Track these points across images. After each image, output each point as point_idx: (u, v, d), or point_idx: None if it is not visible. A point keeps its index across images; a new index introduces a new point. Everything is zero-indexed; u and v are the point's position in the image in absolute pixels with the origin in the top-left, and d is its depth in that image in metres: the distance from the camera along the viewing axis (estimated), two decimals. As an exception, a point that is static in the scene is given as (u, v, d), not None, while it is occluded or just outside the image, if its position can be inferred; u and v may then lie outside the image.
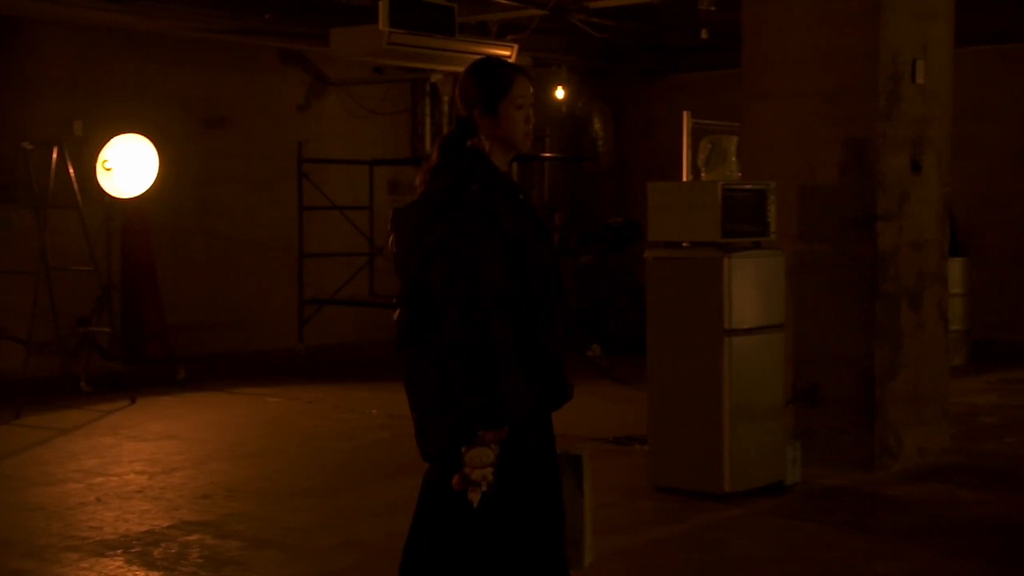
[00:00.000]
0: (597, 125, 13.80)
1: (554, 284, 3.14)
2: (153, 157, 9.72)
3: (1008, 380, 9.99)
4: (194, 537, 5.41)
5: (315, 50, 11.58)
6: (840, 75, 6.55)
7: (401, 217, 3.25)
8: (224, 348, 11.72)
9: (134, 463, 7.04)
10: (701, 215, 5.90)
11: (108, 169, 9.57)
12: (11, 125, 10.01)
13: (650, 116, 14.07)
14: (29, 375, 9.07)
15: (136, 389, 9.28)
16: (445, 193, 3.08)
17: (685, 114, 6.59)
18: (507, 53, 10.95)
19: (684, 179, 6.54)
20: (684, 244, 6.02)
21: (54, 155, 9.47)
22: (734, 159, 6.20)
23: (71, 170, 9.45)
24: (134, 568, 4.98)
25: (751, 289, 5.98)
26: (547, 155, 12.39)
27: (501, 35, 11.71)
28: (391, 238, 3.24)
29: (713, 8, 9.68)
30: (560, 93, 13.12)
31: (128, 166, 9.63)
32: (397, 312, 3.13)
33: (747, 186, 6.09)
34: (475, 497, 2.91)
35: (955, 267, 9.83)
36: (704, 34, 9.94)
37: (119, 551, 5.20)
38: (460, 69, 11.52)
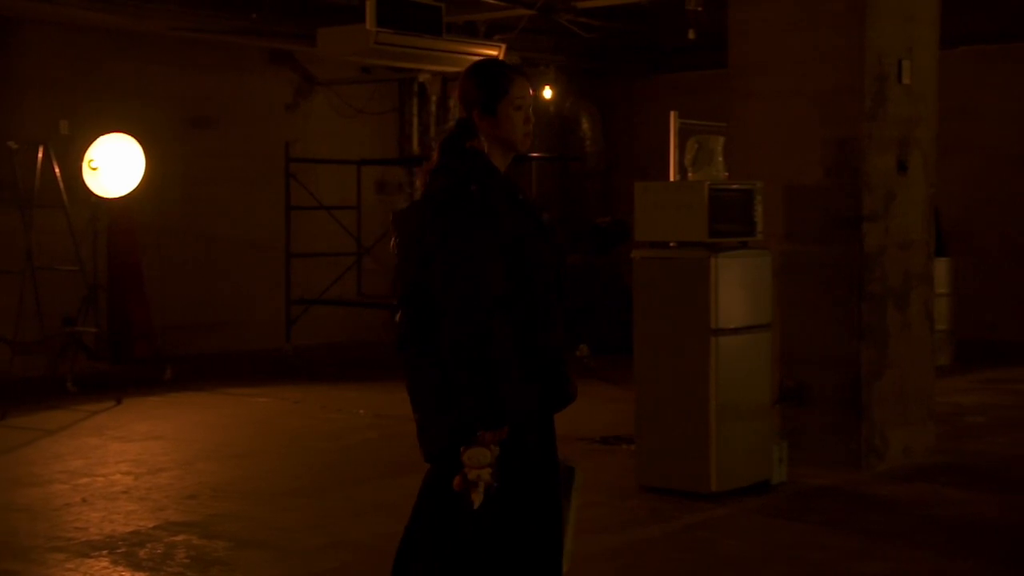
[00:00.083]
0: (585, 125, 13.81)
1: (554, 284, 3.15)
2: (140, 157, 9.69)
3: (993, 380, 10.03)
4: (180, 538, 5.40)
5: (303, 50, 11.57)
6: (826, 76, 6.56)
7: (401, 218, 3.26)
8: (211, 348, 11.71)
9: (120, 464, 7.01)
10: (688, 215, 5.90)
11: (94, 168, 9.54)
12: (-3, 124, 9.98)
13: (638, 116, 14.09)
14: (15, 375, 9.04)
15: (122, 389, 9.24)
16: (444, 194, 3.08)
17: (672, 114, 6.60)
18: (495, 53, 10.96)
19: (671, 179, 6.55)
20: (671, 244, 6.03)
21: (40, 154, 9.44)
22: (721, 159, 6.21)
23: (57, 169, 9.42)
24: (120, 569, 4.96)
25: (738, 289, 5.99)
26: (535, 155, 12.38)
27: (489, 35, 11.72)
28: (392, 240, 3.25)
29: (700, 9, 9.71)
30: (548, 93, 13.13)
31: (114, 165, 9.59)
32: (398, 313, 3.14)
33: (734, 186, 6.11)
34: (477, 499, 2.91)
35: (941, 267, 9.87)
36: (691, 34, 9.96)
37: (104, 552, 5.18)
38: (448, 69, 11.53)
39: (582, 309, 12.18)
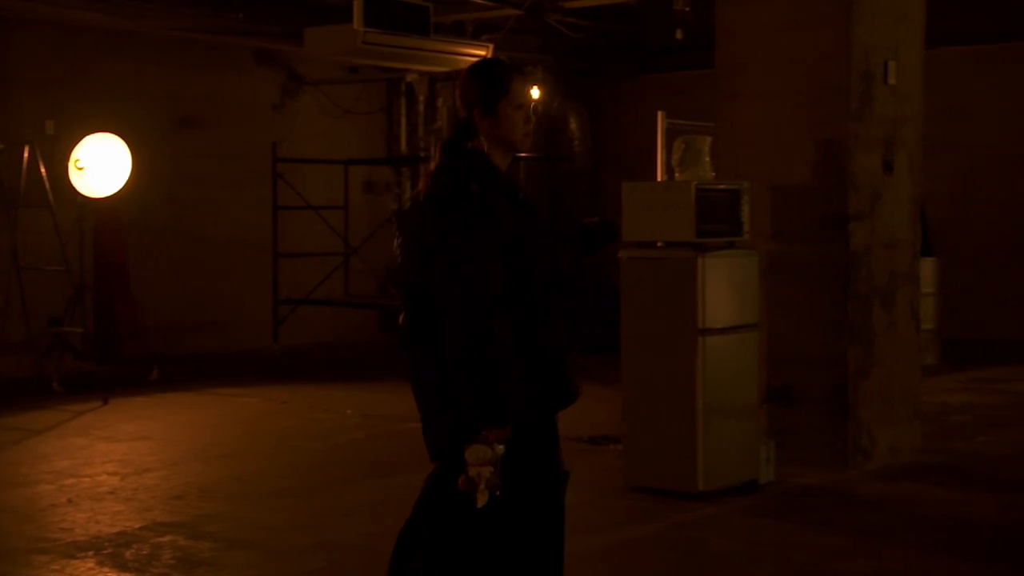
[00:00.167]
0: (573, 125, 13.82)
1: (555, 283, 3.15)
2: (126, 156, 9.67)
3: (980, 379, 10.06)
4: (166, 538, 5.38)
5: (290, 50, 11.55)
6: (812, 76, 6.58)
7: (404, 218, 3.28)
8: (198, 348, 11.68)
9: (106, 464, 6.99)
10: (675, 215, 5.91)
11: (80, 168, 9.51)
12: (-18, 124, 9.94)
13: (625, 116, 14.10)
14: (1, 376, 9.00)
15: (109, 390, 9.21)
16: (445, 193, 3.09)
17: (660, 114, 6.61)
18: (483, 53, 10.96)
19: (659, 179, 6.55)
20: (658, 244, 6.03)
21: (25, 154, 9.41)
22: (708, 159, 6.21)
23: (43, 169, 9.39)
24: (105, 570, 4.94)
25: (725, 289, 5.99)
26: (523, 155, 12.39)
27: (476, 35, 11.72)
28: (396, 240, 3.26)
29: (688, 9, 9.71)
30: (536, 93, 13.13)
31: (101, 165, 9.57)
32: (401, 314, 3.14)
33: (721, 186, 6.11)
34: (481, 498, 2.91)
35: (927, 267, 9.91)
36: (679, 34, 9.96)
37: (90, 552, 5.16)
38: (435, 69, 11.48)
39: (571, 309, 12.20)
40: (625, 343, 6.14)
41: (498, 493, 2.93)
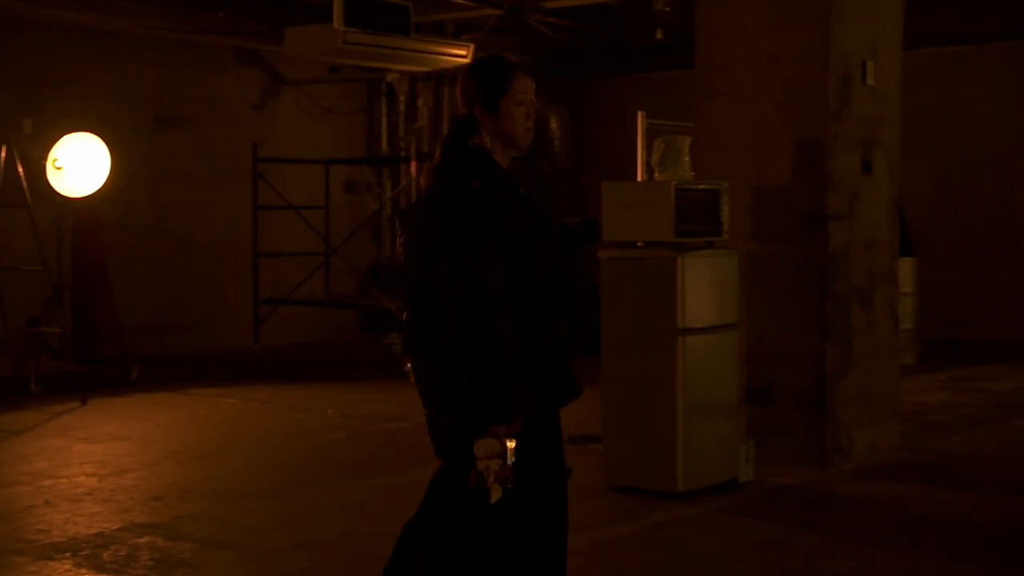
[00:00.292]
0: (554, 125, 13.83)
1: (557, 280, 3.16)
2: (105, 156, 9.62)
3: (958, 378, 10.12)
4: (145, 539, 5.36)
5: (270, 49, 11.52)
6: (791, 76, 6.60)
7: (406, 217, 3.28)
8: (178, 348, 11.64)
9: (84, 465, 6.95)
10: (655, 215, 5.92)
11: (58, 168, 9.46)
12: (-41, 123, 9.87)
13: (606, 116, 14.13)
14: (-22, 376, 8.94)
15: (87, 390, 9.17)
16: (446, 191, 3.09)
17: (640, 114, 6.62)
18: (463, 53, 10.96)
19: (639, 179, 6.57)
20: (638, 244, 6.04)
21: (3, 153, 9.35)
22: (687, 159, 6.22)
23: (20, 169, 9.34)
24: (83, 571, 4.92)
25: (704, 288, 6.01)
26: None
27: (457, 35, 11.71)
28: (398, 239, 3.27)
29: (668, 9, 9.73)
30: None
31: (79, 165, 9.52)
32: (405, 313, 3.15)
33: (700, 186, 6.12)
34: (495, 493, 2.92)
35: (906, 266, 9.95)
36: (659, 35, 9.98)
37: (67, 554, 5.14)
38: (416, 68, 11.46)
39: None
40: (605, 343, 6.14)
41: (510, 486, 2.94)
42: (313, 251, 11.85)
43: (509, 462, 2.92)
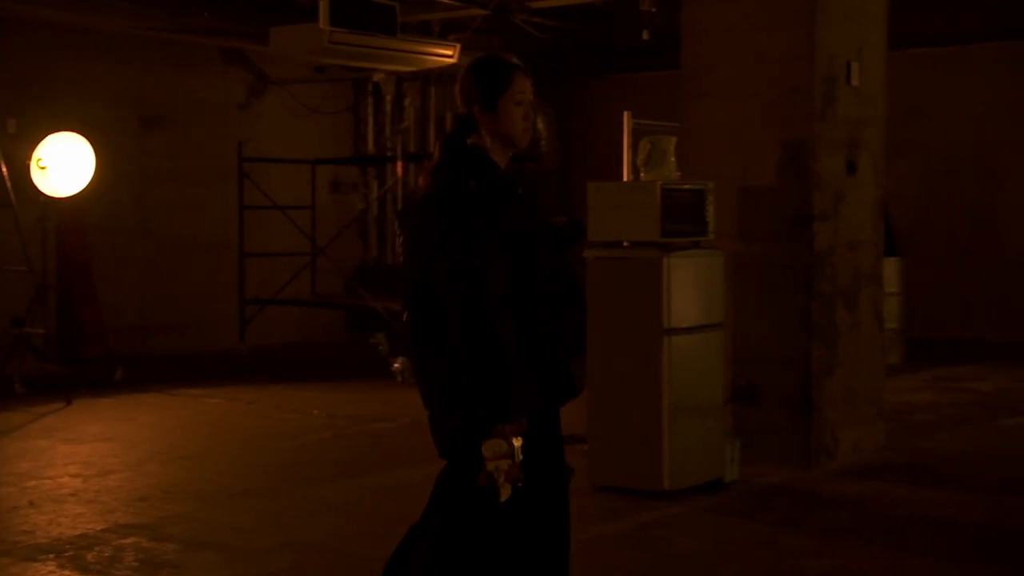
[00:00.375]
0: (540, 125, 13.82)
1: (556, 279, 3.16)
2: (89, 156, 9.59)
3: (943, 378, 10.16)
4: (129, 540, 5.34)
5: (256, 49, 11.49)
6: (777, 77, 6.62)
7: (406, 217, 3.28)
8: (163, 349, 11.61)
9: (68, 466, 6.93)
10: (640, 215, 5.92)
11: (43, 168, 9.42)
12: (-58, 123, 9.82)
13: (593, 116, 14.14)
14: (-39, 377, 8.89)
15: (72, 391, 9.13)
16: (445, 191, 3.09)
17: (626, 114, 6.63)
18: (449, 53, 10.95)
19: (625, 179, 6.57)
20: (624, 244, 6.05)
21: (-13, 153, 9.30)
22: (673, 159, 6.23)
23: (4, 168, 9.29)
24: (66, 572, 4.90)
25: (690, 288, 6.02)
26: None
27: (443, 35, 11.71)
28: (398, 239, 3.28)
29: (654, 9, 9.75)
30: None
31: (63, 165, 9.48)
32: (405, 314, 3.16)
33: (686, 186, 6.13)
34: (504, 492, 2.93)
35: (891, 267, 9.98)
36: (645, 35, 10.00)
37: (51, 555, 5.11)
38: (402, 68, 11.43)
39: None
40: (591, 343, 6.14)
41: (520, 484, 2.95)
42: (299, 251, 11.83)
43: (517, 460, 2.93)
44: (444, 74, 12.81)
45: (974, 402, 9.03)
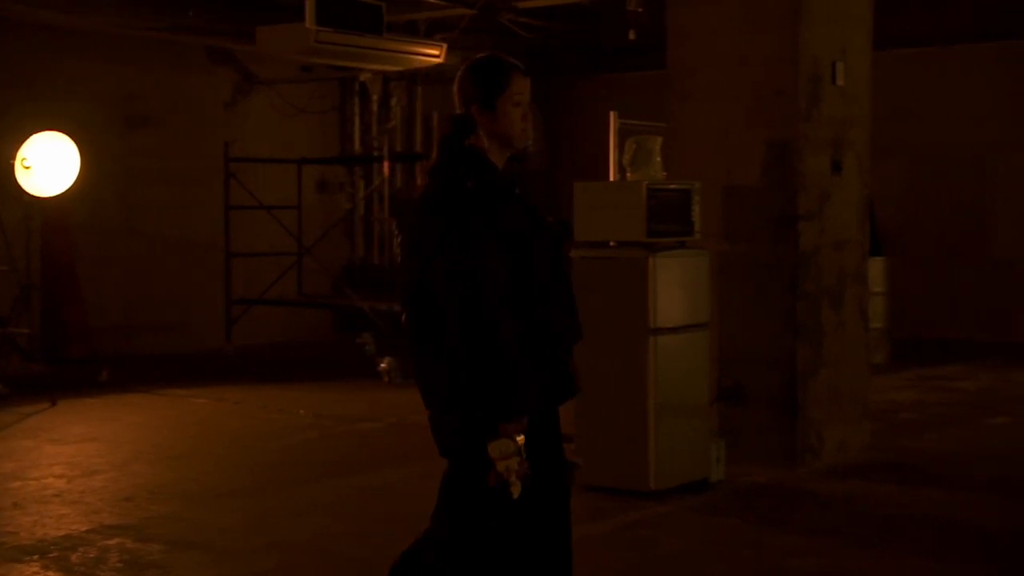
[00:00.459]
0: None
1: (555, 278, 3.17)
2: (74, 155, 9.55)
3: (928, 377, 10.20)
4: (114, 541, 5.32)
5: (242, 48, 11.47)
6: (762, 77, 6.63)
7: (404, 217, 3.29)
8: (149, 349, 11.57)
9: (53, 466, 6.90)
10: (626, 215, 5.93)
11: (27, 167, 9.39)
12: (-74, 122, 9.78)
13: (580, 116, 14.15)
14: (-55, 377, 8.85)
15: (57, 391, 9.10)
16: (442, 192, 3.10)
17: (612, 114, 6.63)
18: (436, 52, 10.94)
19: (611, 179, 6.58)
20: (610, 244, 6.05)
21: (-29, 153, 9.26)
22: (659, 159, 6.24)
23: (-12, 168, 9.26)
24: (51, 573, 4.88)
25: (676, 288, 6.03)
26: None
27: (430, 34, 11.70)
28: (396, 239, 3.28)
29: (641, 9, 9.76)
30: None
31: (48, 164, 9.45)
32: (403, 315, 3.17)
33: (672, 186, 6.14)
34: (515, 489, 2.96)
35: (877, 266, 10.02)
36: (632, 35, 10.01)
37: (35, 556, 5.10)
38: (388, 68, 11.43)
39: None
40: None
41: (528, 480, 2.97)
42: (286, 251, 11.81)
43: (523, 456, 2.96)
44: (431, 74, 12.82)
45: (959, 401, 9.07)
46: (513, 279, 3.05)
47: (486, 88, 3.18)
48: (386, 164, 11.13)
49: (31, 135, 9.41)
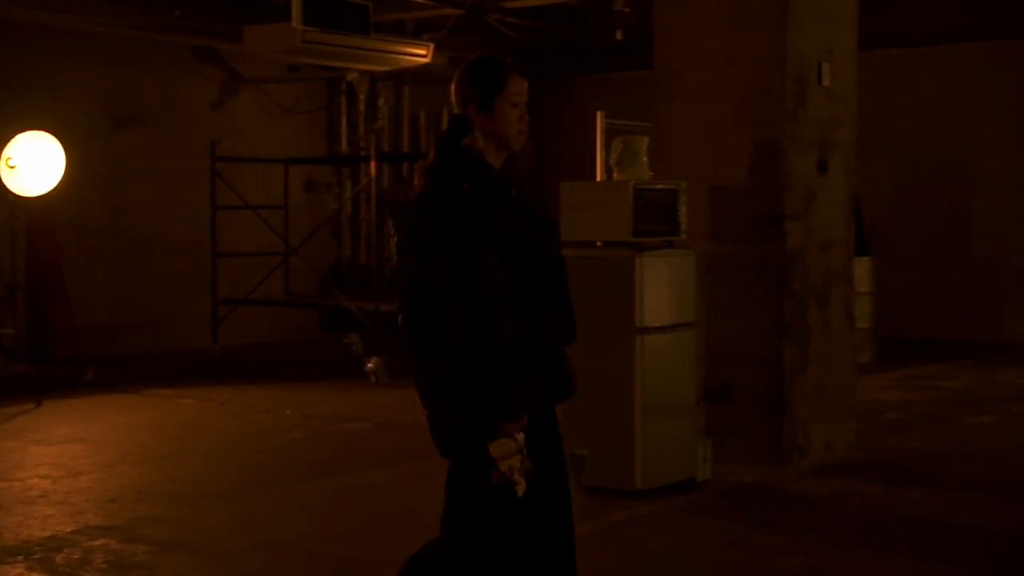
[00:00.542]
0: (514, 125, 13.82)
1: (553, 277, 3.17)
2: (59, 155, 9.52)
3: (914, 376, 10.23)
4: (99, 542, 5.30)
5: (229, 48, 11.44)
6: (749, 77, 6.65)
7: (401, 218, 3.28)
8: (135, 349, 11.54)
9: (38, 467, 6.87)
10: (613, 215, 5.94)
11: (12, 167, 9.35)
12: (-90, 121, 9.73)
13: (567, 116, 14.15)
14: (-70, 378, 8.82)
15: (42, 391, 9.06)
16: (438, 192, 3.10)
17: (599, 114, 6.63)
18: (423, 52, 10.93)
19: (598, 179, 6.58)
20: (597, 243, 6.06)
21: (-45, 152, 9.22)
22: (645, 159, 6.24)
23: (-27, 168, 9.21)
24: (35, 574, 4.86)
25: (663, 288, 6.03)
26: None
27: (417, 34, 11.69)
28: (392, 239, 3.28)
29: (628, 9, 9.77)
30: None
31: (33, 164, 9.41)
32: (400, 315, 3.16)
33: (658, 186, 6.15)
34: (520, 486, 2.97)
35: (863, 266, 10.06)
36: (619, 35, 10.02)
37: (20, 558, 5.08)
38: (376, 68, 11.40)
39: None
40: (564, 342, 6.14)
41: (531, 477, 2.98)
42: (273, 251, 11.79)
43: (525, 454, 2.98)
44: (418, 74, 12.81)
45: (945, 400, 9.10)
46: (511, 279, 3.05)
47: (483, 88, 3.18)
48: (373, 164, 11.10)
49: (16, 135, 9.37)
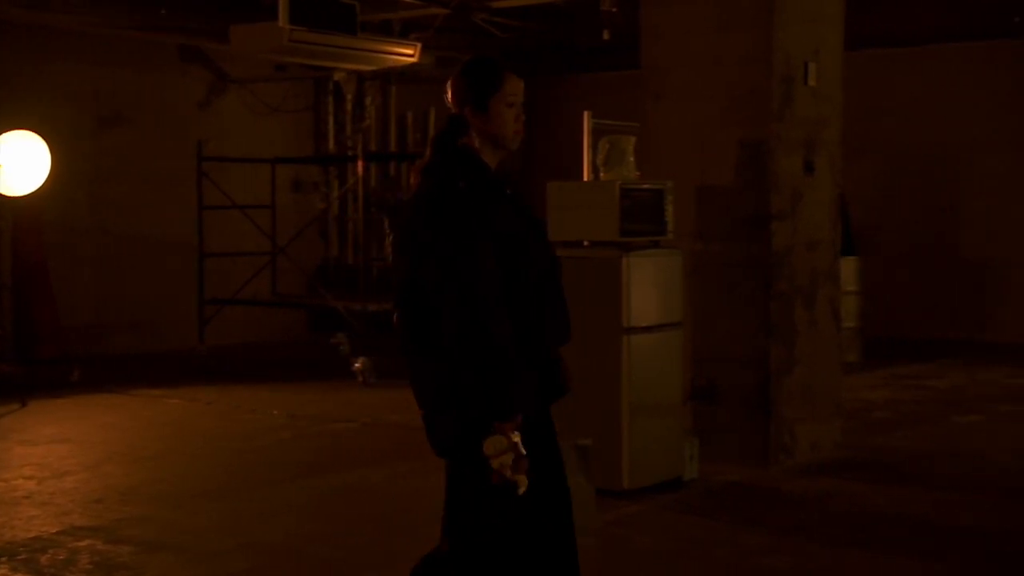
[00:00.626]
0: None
1: (548, 277, 3.17)
2: (45, 155, 9.48)
3: (900, 376, 10.26)
4: (84, 543, 5.28)
5: (216, 47, 11.41)
6: (735, 78, 6.66)
7: (396, 217, 3.28)
8: (121, 349, 11.50)
9: (23, 468, 6.85)
10: (599, 215, 5.94)
11: (-3, 166, 9.31)
12: None
13: (554, 116, 14.14)
14: (-86, 378, 8.77)
15: (27, 392, 9.03)
16: (434, 192, 3.10)
17: (586, 114, 6.63)
18: (410, 52, 10.93)
19: (585, 179, 6.58)
20: (584, 243, 6.06)
21: (-60, 151, 9.17)
22: (632, 159, 6.25)
23: (-42, 167, 9.17)
24: (19, 575, 4.85)
25: (649, 288, 6.04)
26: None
27: (404, 34, 11.68)
28: (388, 239, 3.27)
29: (615, 9, 9.78)
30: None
31: (19, 164, 9.37)
32: (395, 315, 3.15)
33: (645, 186, 6.15)
34: (522, 484, 2.96)
35: (850, 266, 10.08)
36: (606, 35, 10.03)
37: (3, 559, 5.05)
38: (363, 67, 11.38)
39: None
40: (551, 342, 6.14)
41: (529, 476, 2.98)
42: (259, 251, 11.76)
43: (520, 452, 2.97)
44: (405, 73, 12.80)
45: (931, 399, 9.13)
46: (507, 279, 3.05)
47: (479, 89, 3.19)
48: (360, 164, 11.09)
49: (1, 134, 9.33)
